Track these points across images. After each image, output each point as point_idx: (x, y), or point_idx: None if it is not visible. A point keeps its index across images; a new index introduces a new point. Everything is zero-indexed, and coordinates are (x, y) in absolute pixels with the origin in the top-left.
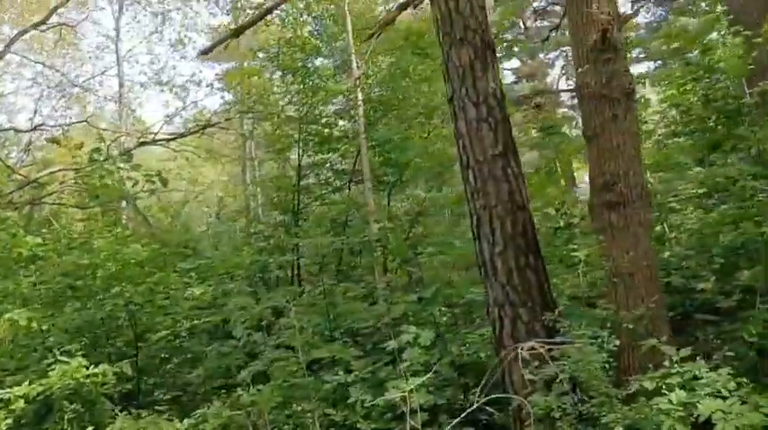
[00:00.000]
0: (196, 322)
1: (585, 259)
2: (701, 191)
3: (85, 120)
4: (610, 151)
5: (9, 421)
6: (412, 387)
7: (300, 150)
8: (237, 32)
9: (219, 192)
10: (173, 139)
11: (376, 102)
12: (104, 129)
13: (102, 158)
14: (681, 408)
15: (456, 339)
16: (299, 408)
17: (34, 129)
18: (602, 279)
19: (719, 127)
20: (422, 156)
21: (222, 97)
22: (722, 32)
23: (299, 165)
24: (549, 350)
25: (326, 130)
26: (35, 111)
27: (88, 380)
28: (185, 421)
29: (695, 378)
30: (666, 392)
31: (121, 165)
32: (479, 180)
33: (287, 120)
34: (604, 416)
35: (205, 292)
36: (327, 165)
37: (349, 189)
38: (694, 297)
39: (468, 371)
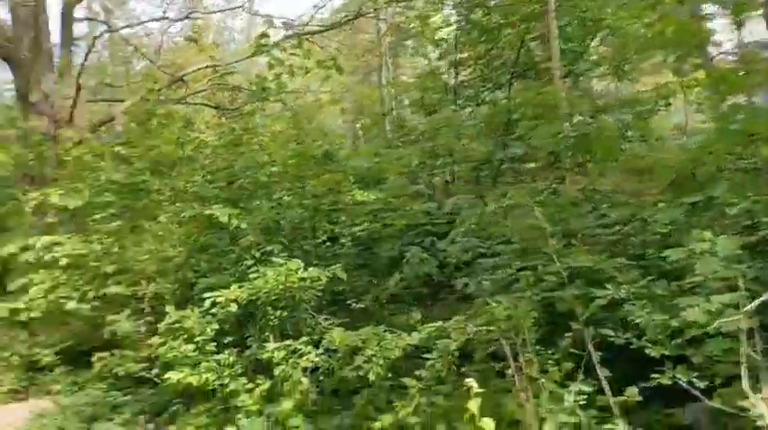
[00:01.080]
0: (378, 225)
1: None
2: None
3: (240, 7)
4: None
5: (215, 326)
6: (749, 307)
7: (457, 42)
8: None
9: (352, 96)
10: (323, 32)
11: None
12: (266, 16)
13: (270, 45)
14: None
15: None
16: (562, 326)
17: (186, 17)
18: None
19: None
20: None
21: None
22: None
23: (456, 59)
24: None
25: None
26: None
27: (296, 285)
28: (414, 334)
29: None
30: None
31: (294, 52)
32: None
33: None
34: None
35: (385, 196)
36: (484, 60)
37: (510, 85)
38: None
39: None
